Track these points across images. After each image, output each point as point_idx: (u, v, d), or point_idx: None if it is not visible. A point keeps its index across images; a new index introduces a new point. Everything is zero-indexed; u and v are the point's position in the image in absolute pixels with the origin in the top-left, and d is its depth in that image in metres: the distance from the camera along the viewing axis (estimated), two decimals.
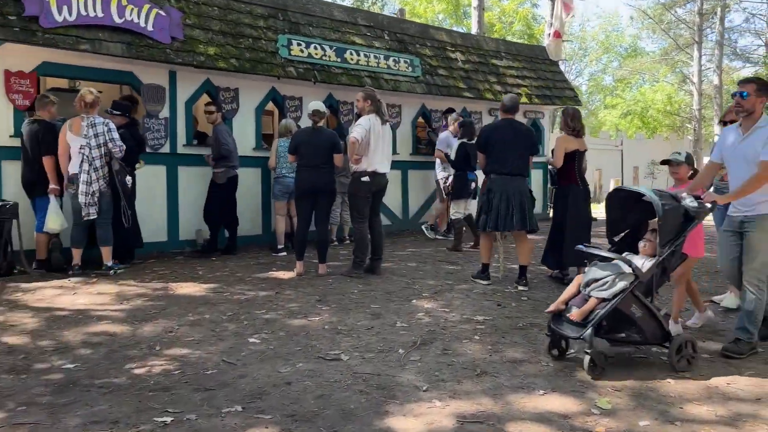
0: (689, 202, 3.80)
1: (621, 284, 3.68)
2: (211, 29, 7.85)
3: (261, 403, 3.19)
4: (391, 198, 10.09)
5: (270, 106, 9.15)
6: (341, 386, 3.44)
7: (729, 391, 3.46)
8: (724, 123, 4.96)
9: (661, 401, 3.29)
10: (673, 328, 4.19)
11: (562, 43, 13.12)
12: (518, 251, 6.28)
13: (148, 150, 7.48)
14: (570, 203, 6.19)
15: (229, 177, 7.59)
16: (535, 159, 6.93)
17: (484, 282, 6.20)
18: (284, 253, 7.75)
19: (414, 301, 5.46)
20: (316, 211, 6.41)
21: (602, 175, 21.72)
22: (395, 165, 9.76)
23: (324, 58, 8.73)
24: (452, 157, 8.32)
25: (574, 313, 3.75)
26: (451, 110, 9.95)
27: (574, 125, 6.19)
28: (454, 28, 28.68)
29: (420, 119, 10.74)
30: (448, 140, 8.82)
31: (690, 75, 28.42)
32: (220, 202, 7.53)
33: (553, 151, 6.75)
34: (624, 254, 3.92)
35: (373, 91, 6.37)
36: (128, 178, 6.38)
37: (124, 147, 6.29)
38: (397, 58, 9.63)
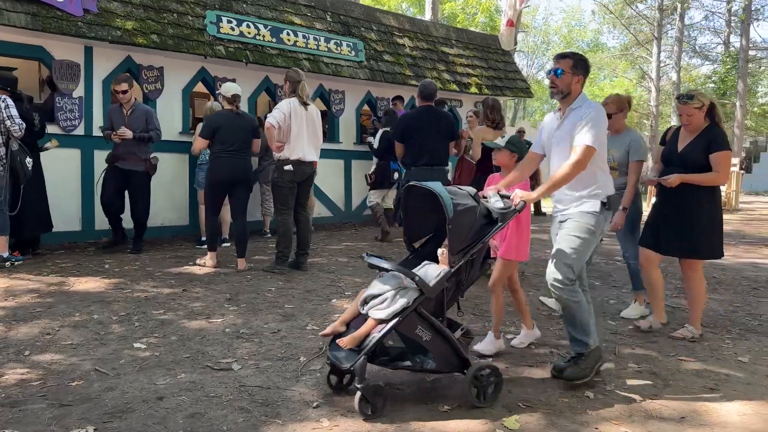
0: (494, 201, 3.19)
1: (401, 301, 2.96)
2: (131, 2, 7.31)
3: (119, 423, 2.78)
4: (333, 189, 9.70)
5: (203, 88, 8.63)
6: (220, 402, 3.05)
7: (652, 408, 3.19)
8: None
9: (576, 420, 2.99)
10: (492, 346, 3.85)
11: (516, 33, 12.87)
12: None
13: (59, 132, 6.92)
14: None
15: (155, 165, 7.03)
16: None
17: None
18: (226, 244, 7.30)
19: (334, 300, 5.09)
20: (235, 202, 6.00)
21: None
22: (338, 155, 9.50)
23: (258, 37, 8.25)
24: (375, 146, 8.00)
25: (344, 339, 3.03)
26: (400, 97, 9.60)
27: (493, 117, 5.97)
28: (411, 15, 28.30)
29: (365, 107, 10.35)
30: None
31: (649, 71, 28.66)
32: (140, 192, 6.85)
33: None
34: (424, 264, 3.18)
35: (295, 72, 5.94)
36: (28, 160, 5.82)
37: (24, 125, 5.74)
38: (339, 42, 9.21)
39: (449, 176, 8.54)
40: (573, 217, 3.38)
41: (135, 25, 7.12)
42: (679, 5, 26.24)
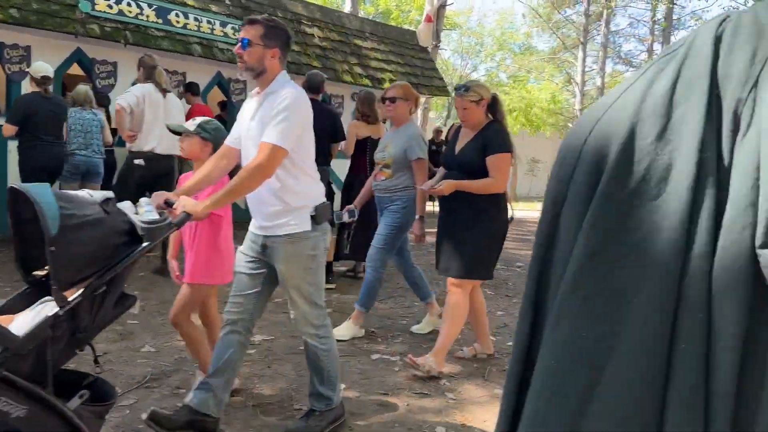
0: (144, 213, 2.37)
1: None
2: None
3: None
4: None
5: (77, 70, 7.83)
6: None
7: None
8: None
9: None
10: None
11: (435, 30, 12.56)
12: None
13: None
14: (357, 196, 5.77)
15: None
16: None
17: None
18: None
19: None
20: None
21: None
22: None
23: (140, 17, 7.53)
24: None
25: None
26: None
27: (363, 110, 5.74)
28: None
29: None
30: None
31: (574, 75, 29.21)
32: None
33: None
34: (42, 302, 2.16)
35: (149, 57, 5.44)
36: None
37: None
38: (236, 27, 8.57)
39: (336, 178, 8.12)
40: (281, 246, 2.68)
41: None
42: (604, 12, 26.81)
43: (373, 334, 4.40)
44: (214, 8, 8.53)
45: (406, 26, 28.56)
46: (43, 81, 5.59)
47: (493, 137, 3.55)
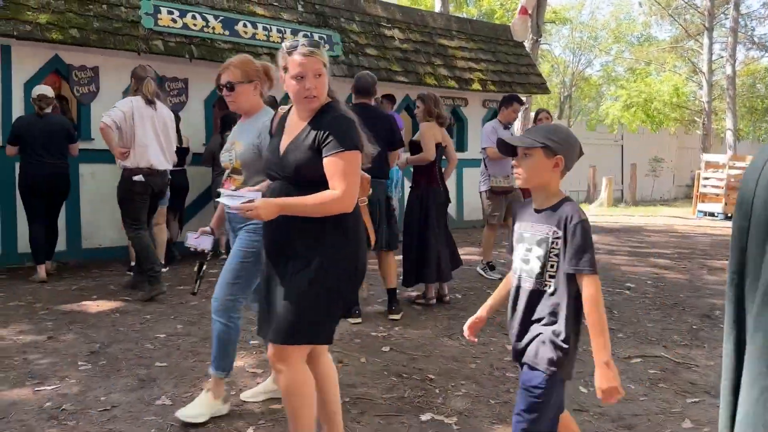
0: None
1: None
2: None
3: None
4: None
5: None
6: None
7: None
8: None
9: None
10: None
11: (533, 23, 11.55)
12: (382, 273, 5.07)
13: None
14: (431, 208, 5.18)
15: None
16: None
17: (354, 320, 4.76)
18: (167, 268, 6.37)
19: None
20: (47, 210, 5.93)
21: (596, 173, 20.06)
22: None
23: (206, 30, 7.28)
24: None
25: None
26: (390, 97, 8.49)
27: (438, 111, 5.21)
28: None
29: None
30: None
31: (699, 65, 26.58)
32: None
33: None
34: None
35: (141, 68, 5.35)
36: None
37: None
38: (309, 34, 8.14)
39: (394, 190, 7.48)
40: None
41: (51, 18, 6.25)
42: None
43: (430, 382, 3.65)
44: (285, 16, 8.17)
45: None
46: (38, 99, 5.73)
47: (332, 127, 2.34)
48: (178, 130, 6.87)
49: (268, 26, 7.79)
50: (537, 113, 6.92)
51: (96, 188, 7.03)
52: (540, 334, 2.14)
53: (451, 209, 10.14)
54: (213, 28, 7.31)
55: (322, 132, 2.32)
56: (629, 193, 20.45)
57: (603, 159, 21.05)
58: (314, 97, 2.35)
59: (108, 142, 5.13)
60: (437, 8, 13.00)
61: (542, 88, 10.81)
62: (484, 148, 6.21)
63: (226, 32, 7.42)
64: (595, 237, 8.59)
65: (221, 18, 7.42)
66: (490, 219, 6.35)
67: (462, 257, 7.56)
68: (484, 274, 6.41)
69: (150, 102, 5.24)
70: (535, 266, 2.14)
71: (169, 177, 6.34)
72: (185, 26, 7.12)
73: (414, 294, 5.61)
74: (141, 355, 3.98)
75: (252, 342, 4.21)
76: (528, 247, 2.18)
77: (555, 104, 35.72)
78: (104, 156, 6.76)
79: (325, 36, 8.29)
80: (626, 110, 27.04)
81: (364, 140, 2.44)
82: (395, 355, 4.08)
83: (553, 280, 2.13)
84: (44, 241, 5.95)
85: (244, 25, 7.58)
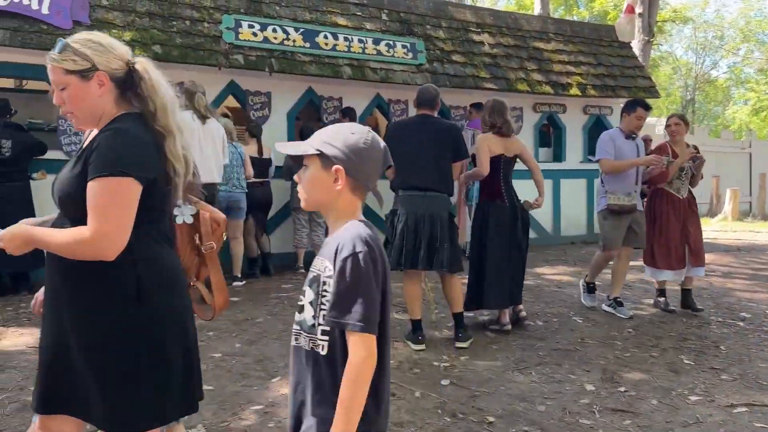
0: None
1: None
2: (135, 11, 6.62)
3: None
4: None
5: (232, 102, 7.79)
6: None
7: None
8: None
9: None
10: None
11: (643, 22, 10.68)
12: (446, 296, 4.69)
13: (63, 157, 6.38)
14: (491, 225, 4.75)
15: None
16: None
17: (416, 346, 4.42)
18: (242, 282, 6.40)
19: (271, 381, 3.77)
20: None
21: (719, 184, 18.34)
22: None
23: (286, 42, 7.22)
24: None
25: None
26: (479, 105, 8.09)
27: (493, 120, 4.79)
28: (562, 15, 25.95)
29: None
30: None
31: None
32: None
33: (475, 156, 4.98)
34: None
35: (191, 83, 5.50)
36: None
37: None
38: (392, 43, 7.91)
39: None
40: None
41: (135, 35, 6.42)
42: None
43: None
44: (368, 26, 7.98)
45: None
46: None
47: (99, 146, 1.75)
48: (259, 142, 6.87)
49: (349, 37, 7.64)
50: (668, 119, 5.66)
51: None
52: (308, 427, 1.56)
53: (546, 224, 9.54)
54: (294, 40, 7.25)
55: (90, 152, 1.75)
56: (758, 206, 18.54)
57: (728, 168, 19.25)
58: (70, 113, 1.85)
59: None
60: (536, 11, 12.37)
61: (651, 92, 9.91)
62: (597, 160, 5.35)
63: (307, 44, 7.33)
64: (711, 256, 7.75)
65: (302, 30, 7.35)
66: (607, 243, 5.36)
67: (553, 277, 7.03)
68: (615, 312, 5.40)
69: (201, 116, 5.42)
70: (308, 316, 1.60)
71: (241, 190, 6.35)
72: (266, 40, 7.11)
73: (487, 318, 5.17)
74: None
75: None
76: (303, 288, 1.65)
77: (676, 109, 33.37)
78: None
79: (408, 44, 8.02)
80: (755, 115, 24.66)
81: (150, 164, 1.78)
82: (455, 390, 3.69)
83: (326, 337, 1.55)
84: None
85: (325, 37, 7.47)
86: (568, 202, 9.76)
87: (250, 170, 6.54)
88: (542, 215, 9.43)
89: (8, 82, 8.16)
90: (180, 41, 6.65)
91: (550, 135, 10.04)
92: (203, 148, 5.44)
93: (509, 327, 4.86)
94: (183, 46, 6.64)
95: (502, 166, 4.79)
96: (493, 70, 8.63)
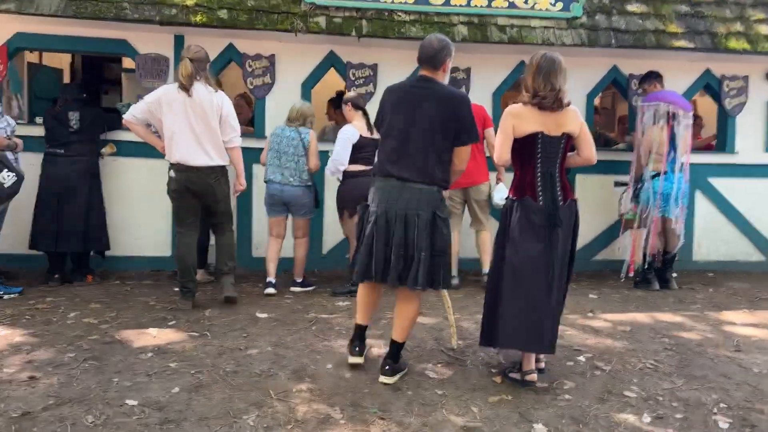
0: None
1: None
2: None
3: None
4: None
5: (333, 78, 6.68)
6: None
7: None
8: None
9: None
10: None
11: None
12: (395, 316, 3.51)
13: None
14: (516, 231, 3.39)
15: None
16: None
17: (352, 359, 3.60)
18: (273, 290, 5.39)
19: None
20: None
21: None
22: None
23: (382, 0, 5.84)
24: None
25: None
26: (653, 76, 5.91)
27: (537, 87, 3.36)
28: None
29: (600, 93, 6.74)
30: None
31: None
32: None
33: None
34: None
35: (186, 48, 4.76)
36: (6, 174, 4.92)
37: None
38: None
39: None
40: None
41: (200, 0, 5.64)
42: None
43: None
44: None
45: None
46: None
47: None
48: (367, 117, 5.61)
49: None
50: None
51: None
52: None
53: (687, 243, 6.49)
54: None
55: None
56: None
57: None
58: None
59: (142, 138, 4.85)
60: None
61: None
62: None
63: (410, 0, 5.87)
64: None
65: None
66: None
67: (679, 319, 4.66)
68: None
69: (183, 87, 4.56)
70: None
71: (300, 184, 5.26)
72: None
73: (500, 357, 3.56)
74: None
75: None
76: None
77: None
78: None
79: None
80: None
81: None
82: None
83: None
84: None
85: None
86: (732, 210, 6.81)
87: (315, 162, 5.41)
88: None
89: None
90: (252, 4, 5.72)
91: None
92: (193, 126, 4.60)
93: (534, 378, 3.35)
94: (255, 9, 5.70)
95: (540, 147, 3.35)
96: (689, 22, 6.16)
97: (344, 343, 3.97)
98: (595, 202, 6.57)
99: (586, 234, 6.65)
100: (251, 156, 5.79)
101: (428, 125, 3.32)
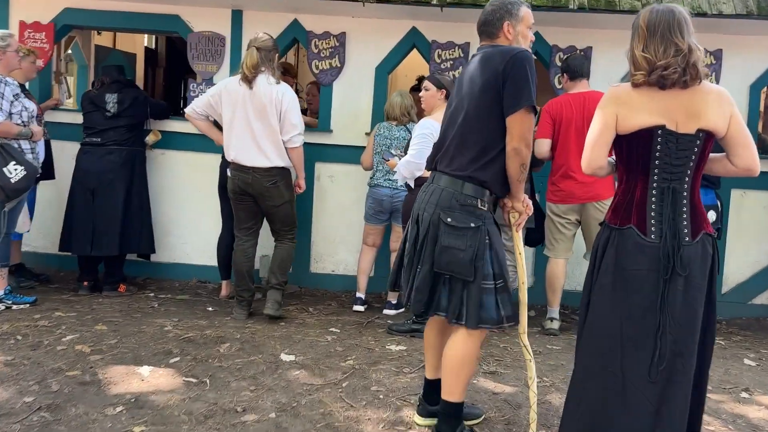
0: None
1: None
2: None
3: None
4: None
5: (415, 59, 5.58)
6: None
7: None
8: None
9: None
10: None
11: None
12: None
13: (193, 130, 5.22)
14: (608, 277, 2.20)
15: None
16: None
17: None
18: (362, 308, 4.74)
19: None
20: None
21: None
22: None
23: None
24: None
25: None
26: None
27: (651, 56, 2.12)
28: None
29: None
30: None
31: None
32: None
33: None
34: None
35: (265, 36, 4.23)
36: (13, 167, 4.23)
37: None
38: None
39: None
40: None
41: None
42: None
43: None
44: None
45: None
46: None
47: None
48: None
49: None
50: None
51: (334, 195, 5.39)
52: None
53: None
54: None
55: None
56: None
57: None
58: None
59: (204, 133, 4.52)
60: None
61: None
62: None
63: None
64: None
65: None
66: None
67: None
68: None
69: (246, 79, 4.11)
70: None
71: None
72: None
73: None
74: None
75: None
76: None
77: None
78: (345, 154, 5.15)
79: None
80: None
81: None
82: None
83: None
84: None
85: None
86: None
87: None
88: None
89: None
90: None
91: None
92: (251, 122, 4.14)
93: None
94: None
95: (659, 149, 2.16)
96: None
97: (375, 414, 2.88)
98: (758, 227, 5.01)
99: (742, 269, 5.10)
100: (313, 152, 4.90)
101: (469, 98, 2.54)
